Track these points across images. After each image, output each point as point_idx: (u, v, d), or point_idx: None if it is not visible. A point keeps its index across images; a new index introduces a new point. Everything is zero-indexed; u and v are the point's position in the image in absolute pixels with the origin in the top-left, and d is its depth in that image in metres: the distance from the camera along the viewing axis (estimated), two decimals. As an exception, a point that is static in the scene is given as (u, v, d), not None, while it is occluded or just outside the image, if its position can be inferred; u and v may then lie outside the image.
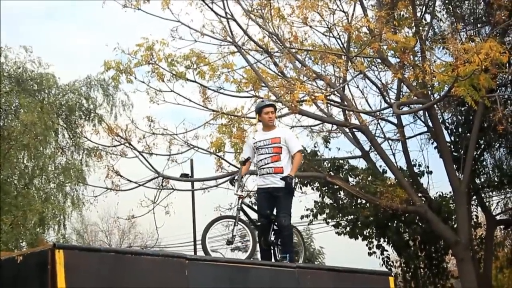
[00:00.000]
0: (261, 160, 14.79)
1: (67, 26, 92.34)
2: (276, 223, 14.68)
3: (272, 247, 14.83)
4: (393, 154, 27.07)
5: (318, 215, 30.87)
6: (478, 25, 26.25)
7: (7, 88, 27.10)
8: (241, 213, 14.37)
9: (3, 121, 26.83)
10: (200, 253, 15.21)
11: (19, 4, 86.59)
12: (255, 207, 15.16)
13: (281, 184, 14.49)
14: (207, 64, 23.47)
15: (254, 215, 14.90)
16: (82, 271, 11.58)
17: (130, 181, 23.65)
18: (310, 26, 24.19)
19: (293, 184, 15.00)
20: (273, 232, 14.74)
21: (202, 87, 23.66)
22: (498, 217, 30.60)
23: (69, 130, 27.98)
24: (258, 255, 14.98)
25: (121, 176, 23.42)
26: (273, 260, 14.82)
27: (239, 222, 14.25)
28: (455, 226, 26.13)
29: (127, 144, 23.25)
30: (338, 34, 24.30)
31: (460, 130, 28.83)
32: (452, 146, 27.81)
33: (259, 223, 14.76)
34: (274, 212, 14.77)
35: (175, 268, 12.79)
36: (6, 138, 26.18)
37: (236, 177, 14.93)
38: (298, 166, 15.24)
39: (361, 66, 23.80)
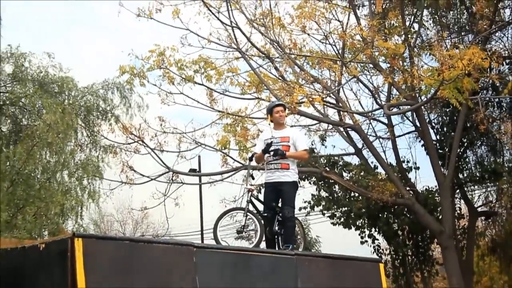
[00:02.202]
0: (270, 156, 14.62)
1: (86, 32, 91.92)
2: (280, 215, 14.67)
3: (276, 237, 14.80)
4: (384, 151, 27.02)
5: (315, 207, 30.87)
6: (462, 33, 26.11)
7: (31, 91, 26.92)
8: (250, 205, 14.34)
9: (27, 121, 26.66)
10: (207, 241, 15.00)
11: (42, 11, 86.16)
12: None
13: (287, 179, 14.57)
14: (213, 69, 23.41)
15: (261, 207, 14.75)
16: (99, 258, 11.40)
17: (143, 175, 23.61)
18: (308, 34, 24.12)
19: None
20: (277, 223, 14.75)
21: (209, 89, 23.61)
22: (479, 209, 30.56)
23: (87, 129, 27.82)
24: (263, 244, 14.81)
25: (134, 171, 23.39)
26: (276, 248, 14.73)
27: (248, 213, 14.25)
28: (440, 217, 26.03)
29: (140, 142, 23.21)
30: (334, 41, 24.25)
31: (445, 129, 28.76)
32: (437, 144, 27.72)
33: (265, 214, 14.66)
34: (279, 204, 14.73)
35: (184, 255, 12.62)
36: (30, 136, 26.04)
37: (247, 172, 14.92)
38: (297, 155, 14.90)
39: (354, 70, 23.73)
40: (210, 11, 23.00)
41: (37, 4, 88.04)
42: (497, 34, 25.52)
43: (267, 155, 14.46)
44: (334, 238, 47.91)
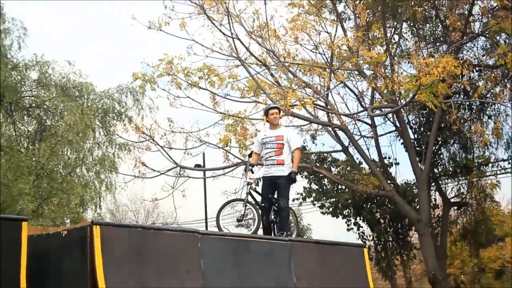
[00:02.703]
0: (267, 153, 14.83)
1: (103, 42, 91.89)
2: (276, 205, 14.74)
3: (272, 224, 14.87)
4: (368, 149, 27.03)
5: (307, 198, 30.96)
6: (437, 44, 26.10)
7: (54, 95, 26.89)
8: (249, 197, 14.45)
9: (50, 121, 26.63)
10: (211, 229, 15.02)
11: (63, 23, 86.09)
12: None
13: (282, 173, 14.67)
14: (216, 75, 23.41)
15: (259, 198, 14.84)
16: (115, 243, 11.40)
17: (154, 170, 23.58)
18: (300, 44, 24.10)
19: (295, 177, 15.06)
20: (273, 212, 14.80)
21: (212, 94, 23.61)
22: (452, 200, 30.54)
23: (104, 129, 27.78)
24: (260, 231, 14.85)
25: (146, 166, 23.37)
26: (272, 235, 14.78)
27: (247, 204, 14.38)
28: (417, 207, 26.04)
29: (151, 140, 23.22)
30: (323, 50, 24.22)
31: (421, 129, 28.77)
32: (415, 142, 27.71)
33: (262, 205, 14.74)
34: (275, 196, 14.80)
35: (190, 241, 12.61)
36: (53, 135, 26.01)
37: (246, 167, 14.99)
38: (298, 161, 15.32)
39: (341, 77, 23.69)
40: (213, 23, 23.02)
41: (59, 17, 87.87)
42: (468, 44, 25.50)
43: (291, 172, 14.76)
44: (323, 226, 47.93)
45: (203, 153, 29.57)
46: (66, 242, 11.68)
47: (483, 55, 25.72)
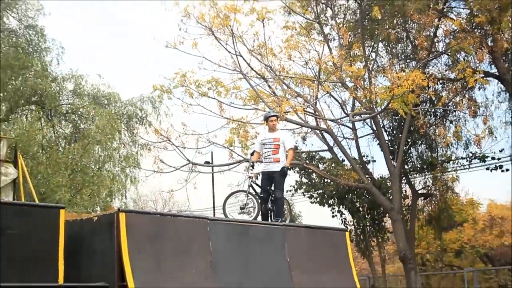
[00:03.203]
0: (265, 152, 14.98)
1: (128, 57, 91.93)
2: (272, 196, 14.81)
3: (269, 212, 14.94)
4: (349, 148, 27.01)
5: (298, 190, 31.02)
6: (407, 61, 26.10)
7: (87, 103, 26.85)
8: (250, 189, 14.64)
9: (83, 125, 26.61)
10: (218, 215, 15.01)
11: (94, 42, 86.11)
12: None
13: (278, 169, 14.77)
14: (222, 87, 23.40)
15: (258, 190, 14.90)
16: (137, 227, 11.39)
17: (170, 166, 23.56)
18: (293, 61, 24.12)
19: (288, 171, 15.17)
20: (270, 202, 14.86)
21: (219, 102, 23.59)
22: (419, 192, 30.54)
23: (128, 131, 27.77)
24: (259, 217, 14.86)
25: (163, 163, 23.40)
26: (269, 220, 14.81)
27: (248, 194, 14.51)
28: (391, 197, 26.03)
29: (167, 141, 23.22)
30: (312, 66, 24.24)
31: (394, 132, 28.77)
32: (389, 143, 27.70)
33: (261, 195, 14.81)
34: (272, 188, 14.87)
35: (200, 226, 12.59)
36: (86, 137, 25.99)
37: (248, 164, 15.22)
38: (291, 159, 15.39)
39: (327, 88, 23.68)
40: (220, 43, 23.05)
41: (90, 35, 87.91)
42: (433, 61, 25.50)
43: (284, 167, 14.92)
44: (311, 213, 47.94)
45: (211, 152, 29.44)
46: (97, 226, 11.68)
47: (445, 70, 25.74)
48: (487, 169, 28.30)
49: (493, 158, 27.70)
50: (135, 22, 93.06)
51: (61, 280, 11.10)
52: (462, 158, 28.94)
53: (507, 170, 27.72)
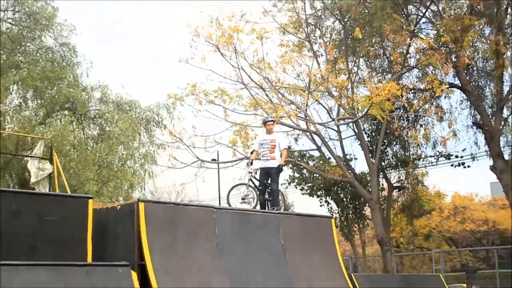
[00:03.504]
0: (263, 151, 15.09)
1: (146, 69, 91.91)
2: (269, 188, 14.87)
3: (266, 202, 14.98)
4: (335, 148, 27.03)
5: (291, 183, 30.98)
6: (384, 73, 26.07)
7: (111, 109, 26.84)
8: (250, 182, 14.68)
9: (109, 128, 26.60)
10: (223, 205, 15.03)
11: (116, 56, 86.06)
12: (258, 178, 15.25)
13: (274, 166, 14.90)
14: (226, 95, 23.39)
15: (257, 183, 14.96)
16: (154, 215, 11.37)
17: (182, 163, 23.59)
18: (287, 73, 24.16)
19: (282, 168, 15.26)
20: (267, 193, 14.89)
21: (224, 108, 23.60)
22: (394, 185, 30.52)
23: (147, 133, 27.76)
24: (258, 207, 14.88)
25: (176, 160, 23.43)
26: (266, 209, 14.86)
27: (249, 187, 14.58)
28: (370, 190, 25.99)
29: (180, 141, 23.26)
30: (303, 78, 24.24)
31: (373, 134, 28.75)
32: (368, 144, 27.67)
33: (260, 188, 14.85)
34: (269, 181, 14.93)
35: (207, 213, 12.57)
36: (111, 138, 25.98)
37: (248, 161, 15.29)
38: (285, 157, 15.45)
39: (316, 96, 23.72)
40: (225, 58, 23.05)
41: (112, 49, 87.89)
42: (406, 74, 25.49)
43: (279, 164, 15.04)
44: (302, 203, 47.86)
45: (217, 151, 29.46)
46: (120, 214, 11.67)
47: (416, 82, 25.71)
48: (452, 165, 28.40)
49: (456, 156, 27.78)
50: (150, 37, 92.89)
51: (89, 259, 11.10)
52: (431, 156, 28.98)
53: (469, 166, 27.80)
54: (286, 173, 30.62)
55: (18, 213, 10.71)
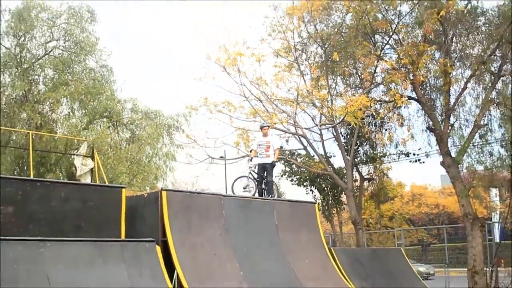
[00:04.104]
0: (260, 150, 15.17)
1: (168, 81, 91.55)
2: (265, 180, 14.92)
3: (263, 191, 14.97)
4: (318, 148, 26.74)
5: (283, 175, 31.04)
6: (357, 89, 25.91)
7: (140, 117, 26.84)
8: (250, 175, 14.69)
9: (138, 132, 26.58)
10: (229, 193, 14.98)
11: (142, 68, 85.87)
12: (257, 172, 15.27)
13: (269, 162, 14.99)
14: (232, 106, 23.30)
15: (256, 176, 14.98)
16: (174, 201, 11.37)
17: (196, 159, 23.55)
18: (280, 88, 24.00)
19: (275, 163, 15.34)
20: (264, 184, 14.88)
21: (230, 116, 23.54)
22: (365, 177, 30.44)
23: (168, 136, 27.70)
24: (257, 195, 14.85)
25: (192, 157, 23.40)
26: (263, 196, 14.86)
27: (249, 178, 14.59)
28: (346, 181, 25.85)
29: (194, 142, 23.23)
30: (292, 92, 24.10)
31: (348, 136, 28.60)
32: (344, 144, 27.49)
33: (258, 179, 14.84)
34: (265, 174, 14.98)
35: (216, 200, 12.58)
36: (140, 140, 26.01)
37: (249, 158, 15.35)
38: (278, 155, 15.57)
39: (303, 107, 23.59)
40: (230, 76, 23.01)
41: (140, 63, 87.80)
42: (374, 89, 25.38)
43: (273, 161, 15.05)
44: (292, 191, 47.87)
45: (224, 150, 29.44)
46: (147, 200, 11.67)
47: (382, 95, 25.61)
48: (410, 161, 28.38)
49: (414, 154, 27.74)
50: (174, 59, 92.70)
51: (122, 236, 11.11)
52: (393, 154, 28.91)
53: (423, 162, 27.78)
54: (279, 168, 30.64)
55: (66, 200, 10.72)
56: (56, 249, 9.44)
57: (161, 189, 11.45)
